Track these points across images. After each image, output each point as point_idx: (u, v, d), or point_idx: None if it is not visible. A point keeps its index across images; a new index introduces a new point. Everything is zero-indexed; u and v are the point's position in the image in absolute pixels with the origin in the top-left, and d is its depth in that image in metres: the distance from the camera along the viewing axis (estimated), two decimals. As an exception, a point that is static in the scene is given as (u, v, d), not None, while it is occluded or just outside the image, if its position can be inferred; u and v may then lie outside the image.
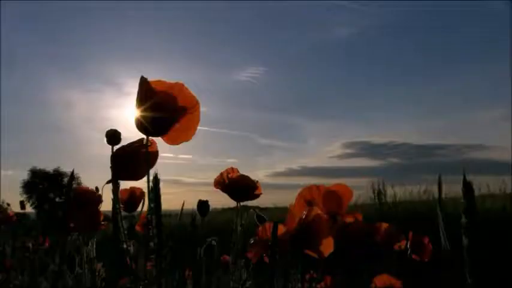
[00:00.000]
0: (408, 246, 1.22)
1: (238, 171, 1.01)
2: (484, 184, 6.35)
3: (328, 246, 0.76)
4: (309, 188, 0.91)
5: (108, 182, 1.41)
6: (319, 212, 0.78)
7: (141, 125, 0.61)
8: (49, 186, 23.05)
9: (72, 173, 0.88)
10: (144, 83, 0.59)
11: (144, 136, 0.75)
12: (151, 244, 0.60)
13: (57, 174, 23.68)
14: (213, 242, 0.86)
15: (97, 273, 1.16)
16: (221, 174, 1.01)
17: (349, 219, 0.75)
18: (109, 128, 0.70)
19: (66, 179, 23.59)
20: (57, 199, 22.79)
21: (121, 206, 0.73)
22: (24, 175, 23.51)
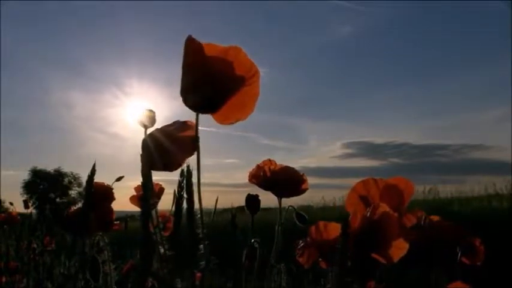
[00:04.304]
0: (458, 248, 1.10)
1: (276, 163, 0.89)
2: (491, 184, 6.26)
3: (399, 249, 0.64)
4: (365, 182, 0.79)
5: (118, 179, 1.29)
6: (387, 209, 0.66)
7: (188, 99, 0.49)
8: (49, 186, 22.91)
9: (94, 166, 0.76)
10: (192, 46, 0.47)
11: (180, 118, 0.63)
12: (201, 247, 0.48)
13: (58, 174, 23.53)
14: (256, 244, 0.74)
15: (109, 277, 1.04)
16: (258, 167, 0.88)
17: (434, 218, 0.63)
18: (143, 108, 0.58)
19: (66, 179, 23.49)
20: (57, 199, 22.66)
21: (156, 201, 0.61)
22: (25, 175, 23.38)
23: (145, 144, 0.61)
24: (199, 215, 0.52)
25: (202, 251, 0.50)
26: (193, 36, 0.47)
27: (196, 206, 0.53)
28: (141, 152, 0.62)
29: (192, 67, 0.47)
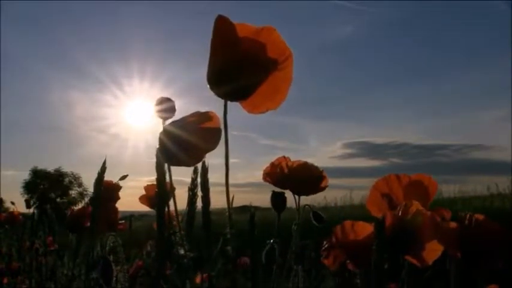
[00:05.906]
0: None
1: (292, 160, 0.85)
2: (493, 184, 6.24)
3: (433, 251, 0.60)
4: (387, 179, 0.74)
5: (122, 178, 1.23)
6: (421, 207, 0.61)
7: (216, 85, 0.44)
8: (50, 186, 22.85)
9: (104, 163, 0.71)
10: (222, 26, 0.42)
11: (199, 109, 0.58)
12: (229, 248, 0.44)
13: (58, 174, 23.46)
14: (275, 245, 0.70)
15: (115, 278, 1.00)
16: (273, 164, 0.84)
17: (479, 217, 0.58)
18: (161, 98, 0.53)
19: (67, 179, 23.43)
20: (58, 199, 22.61)
21: (173, 196, 0.56)
22: (24, 175, 23.30)
23: (162, 138, 0.56)
24: (227, 213, 0.48)
25: (230, 252, 0.45)
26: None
27: (224, 204, 0.48)
28: (157, 146, 0.58)
29: (222, 48, 0.43)
